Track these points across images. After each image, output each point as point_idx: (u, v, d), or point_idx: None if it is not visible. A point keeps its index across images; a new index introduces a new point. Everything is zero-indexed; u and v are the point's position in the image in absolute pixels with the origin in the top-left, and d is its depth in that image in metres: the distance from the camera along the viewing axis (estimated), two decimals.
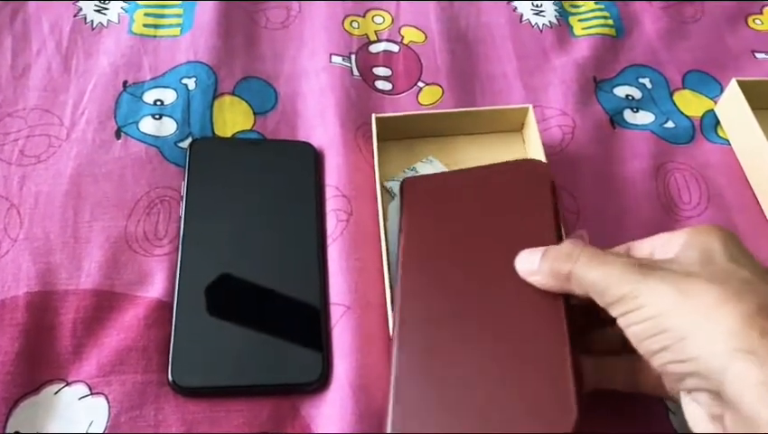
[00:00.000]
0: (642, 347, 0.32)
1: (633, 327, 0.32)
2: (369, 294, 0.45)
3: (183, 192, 0.49)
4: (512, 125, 0.55)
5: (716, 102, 0.60)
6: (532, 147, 0.52)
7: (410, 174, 0.52)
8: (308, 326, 0.44)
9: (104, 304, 0.44)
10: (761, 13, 0.69)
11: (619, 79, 0.61)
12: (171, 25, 0.60)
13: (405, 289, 0.41)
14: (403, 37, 0.62)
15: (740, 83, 0.56)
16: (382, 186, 0.50)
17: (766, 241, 0.51)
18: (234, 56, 0.58)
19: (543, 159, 0.50)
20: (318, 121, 0.55)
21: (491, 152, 0.54)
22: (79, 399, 0.41)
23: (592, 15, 0.66)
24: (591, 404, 0.36)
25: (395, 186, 0.51)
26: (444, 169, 0.52)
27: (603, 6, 0.67)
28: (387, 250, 0.47)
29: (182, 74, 0.56)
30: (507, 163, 0.46)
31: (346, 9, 0.63)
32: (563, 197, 0.51)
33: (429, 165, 0.53)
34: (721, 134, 0.58)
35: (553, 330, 0.36)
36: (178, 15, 0.61)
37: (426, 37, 0.62)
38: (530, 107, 0.53)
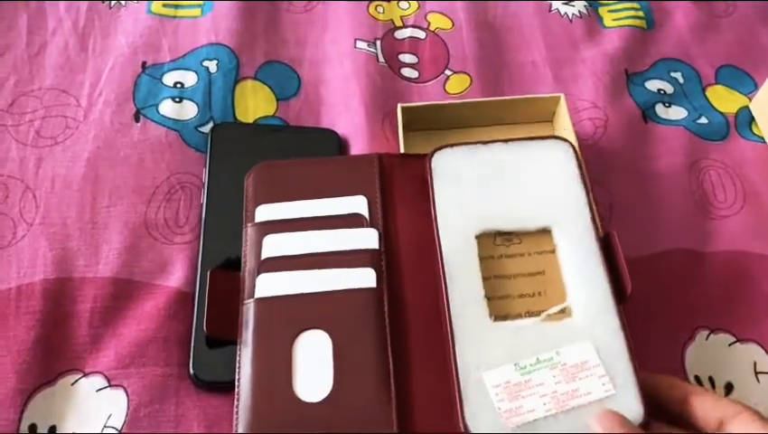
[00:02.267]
0: None
1: None
2: None
3: (205, 178, 0.47)
4: (543, 115, 0.53)
5: (750, 98, 0.58)
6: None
7: None
8: None
9: (122, 292, 0.43)
10: None
11: (650, 72, 0.59)
12: (191, 6, 0.58)
13: None
14: (429, 23, 0.60)
15: None
16: None
17: None
18: (256, 39, 0.56)
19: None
20: (342, 109, 0.53)
21: None
22: (97, 391, 0.39)
23: (622, 7, 0.64)
24: None
25: None
26: None
27: None
28: None
29: (203, 56, 0.54)
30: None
31: None
32: (596, 190, 0.50)
33: None
34: (756, 131, 0.56)
35: None
36: None
37: (453, 24, 0.60)
38: (562, 96, 0.51)
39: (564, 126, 0.51)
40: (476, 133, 0.52)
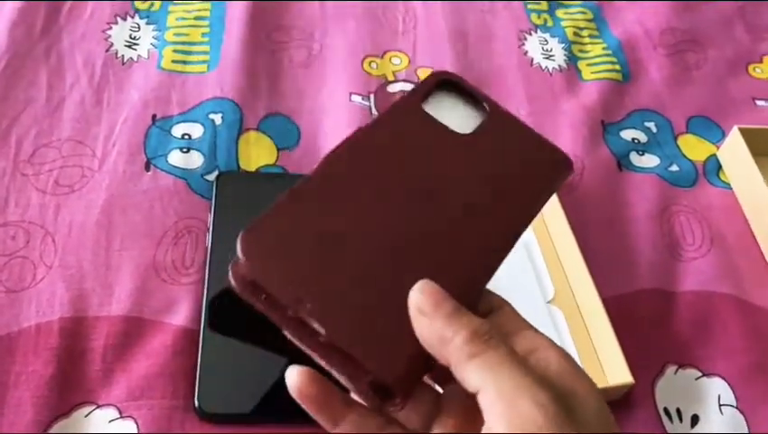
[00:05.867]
0: None
1: None
2: None
3: (210, 223, 0.51)
4: None
5: (718, 147, 0.62)
6: None
7: None
8: None
9: (133, 330, 0.46)
10: (761, 61, 0.72)
11: (626, 122, 0.64)
12: (198, 62, 0.62)
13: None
14: (420, 78, 0.65)
15: (741, 130, 0.58)
16: None
17: (765, 283, 0.54)
18: (258, 93, 0.61)
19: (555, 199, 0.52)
20: None
21: None
22: (109, 422, 0.42)
23: (600, 60, 0.69)
24: None
25: None
26: None
27: (610, 52, 0.70)
28: None
29: (209, 109, 0.58)
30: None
31: (365, 50, 0.66)
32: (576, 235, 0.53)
33: None
34: (723, 178, 0.60)
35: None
36: (205, 52, 0.63)
37: None
38: None
39: None
40: None
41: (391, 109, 0.35)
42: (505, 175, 0.34)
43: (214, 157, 0.55)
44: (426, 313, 0.27)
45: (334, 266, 0.29)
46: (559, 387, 0.26)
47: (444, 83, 0.36)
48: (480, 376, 0.25)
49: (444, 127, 0.34)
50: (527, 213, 0.33)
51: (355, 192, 0.32)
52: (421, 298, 0.27)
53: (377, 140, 0.34)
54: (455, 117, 0.35)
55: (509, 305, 0.30)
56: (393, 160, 0.33)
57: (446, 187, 0.33)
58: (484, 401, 0.25)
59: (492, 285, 0.31)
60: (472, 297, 0.30)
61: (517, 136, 0.36)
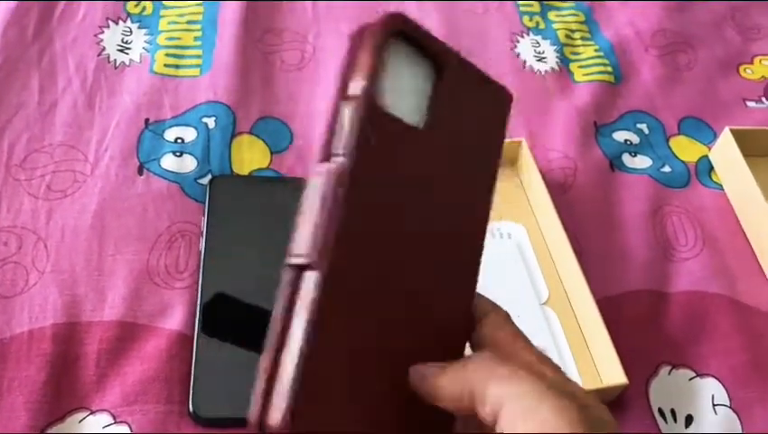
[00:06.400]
0: None
1: None
2: None
3: (203, 227, 0.51)
4: (506, 160, 0.58)
5: (710, 148, 0.63)
6: (529, 180, 0.56)
7: None
8: None
9: (127, 335, 0.46)
10: (751, 62, 0.73)
11: (618, 124, 0.64)
12: (191, 66, 0.62)
13: None
14: None
15: (733, 132, 0.58)
16: None
17: (758, 283, 0.54)
18: (251, 96, 0.61)
19: (545, 194, 0.53)
20: None
21: None
22: (104, 427, 0.42)
23: (592, 62, 0.69)
24: None
25: None
26: None
27: (602, 54, 0.70)
28: None
29: (202, 113, 0.58)
30: None
31: None
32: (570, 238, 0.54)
33: None
34: (715, 179, 0.61)
35: None
36: (197, 56, 0.63)
37: None
38: (523, 140, 0.57)
39: (527, 167, 0.56)
40: None
41: (359, 146, 0.24)
42: (469, 156, 0.29)
43: (207, 161, 0.55)
44: (435, 373, 0.26)
45: (364, 398, 0.26)
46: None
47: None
48: (500, 391, 0.24)
49: (409, 130, 0.26)
50: (492, 184, 0.30)
51: (353, 309, 0.25)
52: (420, 377, 0.26)
53: (366, 213, 0.25)
54: (413, 95, 0.26)
55: (495, 312, 0.29)
56: (383, 234, 0.26)
57: (433, 224, 0.28)
58: (505, 415, 0.24)
59: (487, 288, 0.31)
60: (467, 314, 0.29)
61: (470, 94, 0.29)
